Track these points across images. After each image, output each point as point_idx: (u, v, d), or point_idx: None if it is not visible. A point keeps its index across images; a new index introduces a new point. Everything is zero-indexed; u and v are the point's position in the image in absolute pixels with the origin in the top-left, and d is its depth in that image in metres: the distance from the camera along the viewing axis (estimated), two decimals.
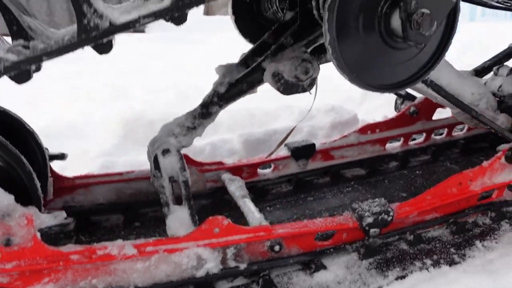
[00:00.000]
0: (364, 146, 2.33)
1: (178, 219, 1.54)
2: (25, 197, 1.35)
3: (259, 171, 2.17)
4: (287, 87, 1.54)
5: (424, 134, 2.45)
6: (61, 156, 1.82)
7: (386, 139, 2.37)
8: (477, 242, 1.69)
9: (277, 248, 1.56)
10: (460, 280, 1.40)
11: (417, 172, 2.29)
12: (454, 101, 1.90)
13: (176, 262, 1.44)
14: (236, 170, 2.11)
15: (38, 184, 1.40)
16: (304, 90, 1.55)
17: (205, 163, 2.08)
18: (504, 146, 1.89)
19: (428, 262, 1.59)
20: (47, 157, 1.70)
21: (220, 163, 2.10)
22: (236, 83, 1.63)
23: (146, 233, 1.83)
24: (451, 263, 1.59)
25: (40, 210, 1.40)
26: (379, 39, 1.26)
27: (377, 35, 1.26)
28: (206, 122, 1.67)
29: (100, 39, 1.16)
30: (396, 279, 1.52)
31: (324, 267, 1.58)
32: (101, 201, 1.91)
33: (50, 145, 1.88)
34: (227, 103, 1.66)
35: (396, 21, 1.21)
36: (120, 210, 1.92)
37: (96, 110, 3.00)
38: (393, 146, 2.41)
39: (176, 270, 1.44)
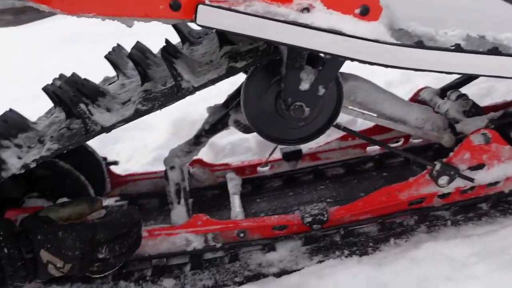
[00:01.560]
0: (346, 150, 2.92)
1: (178, 213, 2.38)
2: None
3: (259, 169, 2.91)
4: (246, 129, 2.24)
5: (402, 139, 2.94)
6: (115, 163, 2.75)
7: (366, 144, 2.91)
8: (392, 239, 2.27)
9: (241, 235, 2.33)
10: (349, 268, 2.04)
11: (384, 174, 2.81)
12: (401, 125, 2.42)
13: (173, 241, 2.29)
14: (239, 169, 2.88)
15: (92, 191, 2.32)
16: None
17: (215, 165, 2.88)
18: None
19: (346, 252, 2.24)
20: (104, 165, 2.62)
21: (227, 164, 2.88)
22: (215, 123, 2.37)
23: (167, 214, 2.69)
24: (363, 254, 2.21)
25: None
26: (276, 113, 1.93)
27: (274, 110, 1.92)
28: (199, 147, 2.46)
29: None
30: (317, 262, 2.20)
31: (274, 249, 2.31)
32: (144, 191, 2.83)
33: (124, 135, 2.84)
34: (211, 136, 2.42)
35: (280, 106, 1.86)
36: (156, 197, 2.82)
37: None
38: (373, 149, 2.94)
39: (173, 246, 2.29)
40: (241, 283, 2.18)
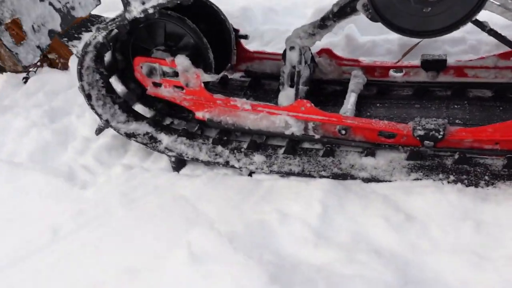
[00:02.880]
0: (502, 71, 2.40)
1: (286, 95, 2.33)
2: (201, 62, 2.37)
3: (391, 73, 2.62)
4: (373, 16, 1.97)
5: None
6: (245, 37, 2.76)
7: None
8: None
9: (343, 132, 2.19)
10: (445, 194, 1.77)
11: None
12: None
13: (273, 121, 2.28)
14: (369, 69, 2.62)
15: (211, 56, 2.39)
16: None
17: (345, 59, 2.67)
18: None
19: (452, 177, 1.94)
20: (233, 37, 2.65)
21: (357, 60, 2.65)
22: (344, 6, 2.13)
23: None
24: (471, 185, 1.89)
25: (211, 71, 2.41)
26: None
27: None
28: (323, 32, 2.27)
29: None
30: (414, 179, 1.97)
31: (373, 155, 2.13)
32: (268, 71, 2.82)
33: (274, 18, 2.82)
34: (339, 20, 2.20)
35: None
36: (278, 79, 2.79)
37: None
38: None
39: (271, 125, 2.29)
40: (326, 177, 2.10)
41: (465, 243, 1.61)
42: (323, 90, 2.71)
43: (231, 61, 2.74)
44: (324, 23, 2.24)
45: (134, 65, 2.41)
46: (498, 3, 1.93)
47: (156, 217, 1.90)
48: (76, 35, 3.40)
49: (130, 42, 2.50)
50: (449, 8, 1.63)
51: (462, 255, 1.57)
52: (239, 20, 3.73)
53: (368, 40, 3.00)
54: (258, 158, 2.26)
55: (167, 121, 2.61)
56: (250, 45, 3.43)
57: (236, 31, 2.75)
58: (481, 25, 1.74)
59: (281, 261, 1.52)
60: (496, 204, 1.75)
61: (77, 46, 2.43)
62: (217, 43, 2.59)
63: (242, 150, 2.32)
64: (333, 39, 3.26)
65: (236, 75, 2.91)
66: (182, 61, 2.27)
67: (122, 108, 2.49)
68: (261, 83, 2.85)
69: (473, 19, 1.66)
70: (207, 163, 2.33)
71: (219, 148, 2.35)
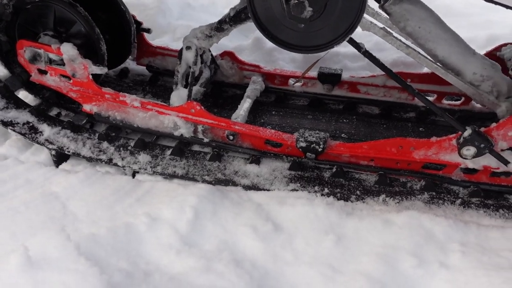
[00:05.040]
0: (391, 90, 2.52)
1: (179, 95, 2.28)
2: (92, 53, 2.26)
3: (291, 82, 2.66)
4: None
5: (463, 98, 2.46)
6: (148, 30, 2.67)
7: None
8: (383, 196, 1.97)
9: (231, 137, 2.19)
10: (315, 206, 1.82)
11: (421, 129, 2.40)
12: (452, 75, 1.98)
13: (162, 121, 2.22)
14: (269, 76, 2.65)
15: (104, 47, 2.28)
16: None
17: (246, 63, 2.67)
18: None
19: (326, 190, 2.00)
20: (133, 29, 2.56)
21: (258, 66, 2.66)
22: (240, 12, 2.13)
23: None
24: (342, 199, 1.96)
25: (102, 63, 2.31)
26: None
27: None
28: (220, 35, 2.25)
29: None
30: (291, 190, 2.01)
31: (258, 163, 2.15)
32: (170, 68, 2.75)
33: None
34: (235, 25, 2.19)
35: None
36: None
37: None
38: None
39: (160, 125, 2.23)
40: (208, 182, 2.08)
41: (324, 255, 1.66)
42: (224, 93, 2.70)
43: (132, 54, 2.65)
44: (221, 26, 2.22)
45: (17, 49, 2.24)
46: (380, 26, 2.01)
47: (18, 214, 1.78)
48: None
49: (16, 23, 2.32)
50: (325, 27, 1.67)
51: (319, 268, 1.61)
52: (154, 12, 3.63)
53: (274, 46, 3.01)
54: (143, 157, 2.20)
55: (54, 111, 2.47)
56: (161, 39, 3.35)
57: (139, 23, 2.65)
58: (357, 46, 1.80)
59: (134, 269, 1.48)
60: (359, 219, 1.82)
61: None
62: (115, 34, 2.49)
63: (129, 148, 2.25)
64: (243, 42, 3.27)
65: (139, 69, 2.83)
66: (68, 50, 2.15)
67: (1, 93, 2.31)
68: (162, 80, 2.79)
69: (348, 38, 1.71)
70: (89, 159, 2.22)
71: (105, 144, 2.26)
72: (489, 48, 2.34)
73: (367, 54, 1.82)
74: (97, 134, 2.29)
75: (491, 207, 1.90)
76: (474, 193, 1.95)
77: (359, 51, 1.82)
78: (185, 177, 2.13)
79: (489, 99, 2.02)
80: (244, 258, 1.63)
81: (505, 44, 2.29)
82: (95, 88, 2.23)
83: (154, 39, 3.13)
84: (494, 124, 1.85)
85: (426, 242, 1.69)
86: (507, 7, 1.68)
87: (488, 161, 1.89)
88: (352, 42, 1.76)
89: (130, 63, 2.84)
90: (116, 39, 2.49)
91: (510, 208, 1.89)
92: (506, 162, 1.84)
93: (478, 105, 2.39)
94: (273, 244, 1.71)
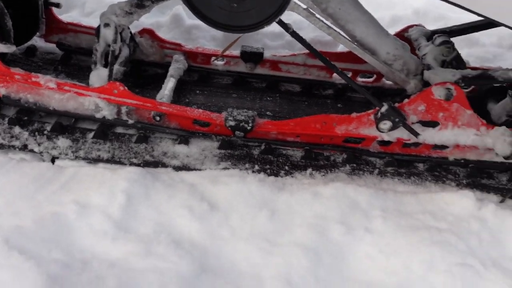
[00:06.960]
0: (310, 68, 2.62)
1: (98, 75, 2.16)
2: None
3: (213, 61, 2.64)
4: None
5: (375, 76, 2.64)
6: (57, 5, 2.47)
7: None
8: (309, 170, 2.08)
9: (158, 118, 2.14)
10: (248, 183, 1.87)
11: (340, 105, 2.55)
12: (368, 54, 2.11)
13: (81, 103, 2.10)
14: (191, 54, 2.60)
15: (9, 23, 2.08)
16: None
17: (167, 41, 2.59)
18: None
19: (257, 167, 2.06)
20: (41, 3, 2.35)
21: (179, 44, 2.60)
22: None
23: None
24: (272, 174, 2.04)
25: (8, 41, 2.10)
26: None
27: None
28: (141, 12, 2.16)
29: None
30: (222, 168, 2.03)
31: (187, 143, 2.13)
32: (84, 46, 2.58)
33: None
34: (157, 2, 2.12)
35: None
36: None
37: None
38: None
39: (80, 107, 2.11)
40: (137, 165, 2.03)
41: (259, 231, 1.72)
42: (144, 72, 2.61)
43: (40, 31, 2.44)
44: (141, 3, 2.13)
45: None
46: (304, 7, 2.07)
47: None
48: None
49: None
50: (255, 7, 1.69)
51: (255, 242, 1.67)
52: None
53: (194, 24, 2.99)
54: (62, 142, 2.07)
55: None
56: (69, 14, 3.12)
57: None
58: (285, 27, 1.85)
59: (70, 259, 1.41)
60: (290, 193, 1.90)
61: None
62: (20, 8, 2.27)
63: (45, 132, 2.10)
64: (160, 19, 3.17)
65: (48, 47, 2.62)
66: None
67: None
68: (76, 59, 2.61)
69: (278, 19, 1.75)
70: (0, 147, 2.04)
71: (17, 130, 2.08)
72: (396, 29, 2.53)
73: (294, 35, 1.88)
74: (6, 119, 2.10)
75: (404, 175, 2.10)
76: (389, 163, 2.13)
77: (287, 31, 1.87)
78: (111, 160, 2.05)
79: (400, 76, 2.20)
80: (182, 239, 1.63)
81: (412, 26, 2.49)
82: (2, 68, 2.03)
83: (61, 14, 2.91)
84: (406, 100, 2.02)
85: (351, 210, 1.82)
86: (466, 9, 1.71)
87: (401, 133, 2.07)
88: (281, 23, 1.80)
89: (37, 40, 2.62)
90: (21, 13, 2.28)
91: (419, 175, 2.10)
92: (416, 134, 2.02)
93: (388, 82, 2.59)
94: (210, 223, 1.73)
